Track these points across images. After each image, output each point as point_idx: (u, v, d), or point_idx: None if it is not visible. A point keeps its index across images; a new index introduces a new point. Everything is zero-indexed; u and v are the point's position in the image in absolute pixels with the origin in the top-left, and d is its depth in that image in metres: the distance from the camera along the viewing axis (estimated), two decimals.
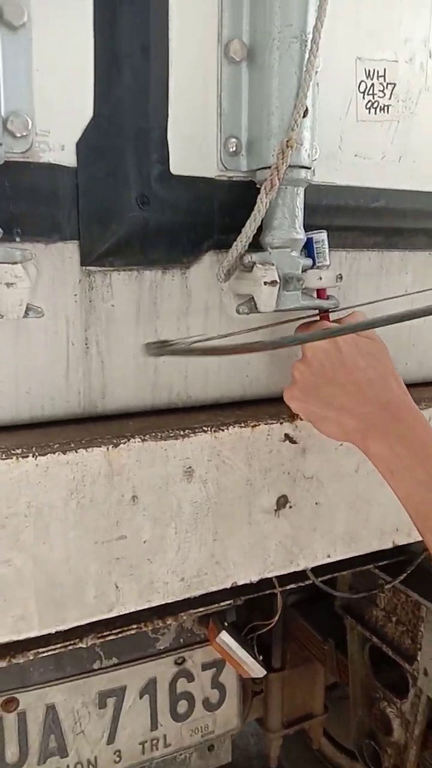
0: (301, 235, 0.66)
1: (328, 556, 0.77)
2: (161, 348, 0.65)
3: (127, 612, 0.67)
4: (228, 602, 0.98)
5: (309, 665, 1.62)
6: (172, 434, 0.64)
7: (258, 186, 0.64)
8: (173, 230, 0.65)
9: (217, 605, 0.96)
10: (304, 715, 1.67)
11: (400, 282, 0.81)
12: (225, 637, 1.00)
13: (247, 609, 1.31)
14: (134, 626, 0.93)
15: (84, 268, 0.63)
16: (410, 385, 0.86)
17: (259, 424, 0.69)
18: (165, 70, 0.62)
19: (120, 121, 0.61)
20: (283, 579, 1.01)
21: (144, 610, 0.68)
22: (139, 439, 0.62)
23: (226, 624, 1.03)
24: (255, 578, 0.73)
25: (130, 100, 0.61)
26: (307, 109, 0.62)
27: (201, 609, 0.98)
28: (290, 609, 1.56)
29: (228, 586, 0.72)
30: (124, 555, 0.64)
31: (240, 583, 0.72)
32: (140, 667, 1.03)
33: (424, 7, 0.73)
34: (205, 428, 0.66)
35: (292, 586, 1.02)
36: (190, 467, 0.65)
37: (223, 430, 0.66)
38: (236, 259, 0.64)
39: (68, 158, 0.60)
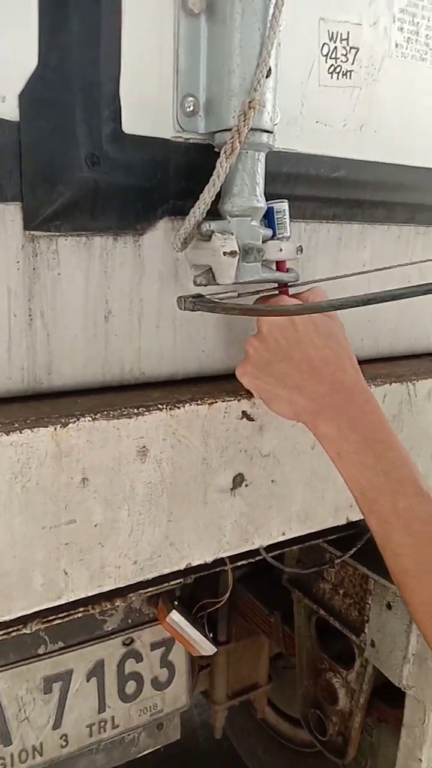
0: (262, 204, 0.63)
1: (284, 534, 0.76)
2: (195, 302, 0.60)
3: (77, 598, 0.63)
4: (178, 581, 0.96)
5: (254, 638, 1.64)
6: (125, 412, 0.60)
7: (217, 149, 0.60)
8: (125, 194, 0.61)
9: (167, 584, 0.94)
10: (249, 686, 1.70)
11: (358, 256, 0.79)
12: (175, 616, 0.98)
13: (194, 585, 1.30)
14: (81, 609, 0.90)
15: (27, 232, 0.58)
16: (365, 361, 0.86)
17: (216, 401, 0.66)
18: (117, 19, 0.57)
19: (68, 73, 0.56)
20: (234, 555, 1.00)
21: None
22: (90, 418, 0.59)
23: (175, 603, 1.01)
24: (210, 558, 0.71)
25: (78, 50, 0.55)
26: (270, 69, 0.58)
27: (151, 589, 0.95)
28: (237, 583, 1.56)
29: (182, 567, 0.70)
30: (73, 540, 0.61)
31: (195, 563, 0.70)
32: (87, 649, 1.00)
33: None
34: (161, 406, 0.63)
35: (243, 562, 1.01)
36: (144, 447, 0.62)
37: (178, 408, 0.63)
38: (193, 226, 0.61)
39: (10, 111, 0.54)
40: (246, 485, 0.70)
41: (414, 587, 0.52)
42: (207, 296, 0.59)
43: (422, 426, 0.81)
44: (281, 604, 1.51)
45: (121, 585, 0.66)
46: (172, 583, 0.97)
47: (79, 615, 0.90)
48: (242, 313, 0.53)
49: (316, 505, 0.77)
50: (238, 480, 0.70)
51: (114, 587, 0.66)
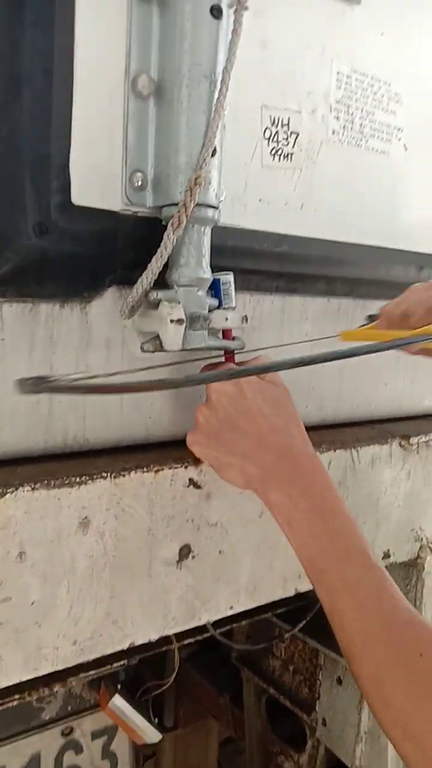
0: (207, 275, 0.64)
1: (231, 608, 0.74)
2: (37, 384, 0.59)
3: (11, 684, 0.59)
4: (122, 663, 0.91)
5: (203, 722, 1.56)
6: (66, 481, 0.59)
7: (164, 223, 0.62)
8: (73, 262, 0.61)
9: (109, 666, 0.89)
10: None
11: (300, 328, 0.81)
12: (118, 701, 0.92)
13: (139, 667, 1.24)
14: (17, 697, 0.84)
15: None
16: (310, 428, 0.87)
17: (162, 469, 0.65)
18: (68, 97, 0.59)
19: (18, 145, 0.57)
20: (181, 633, 0.96)
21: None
22: (29, 488, 0.56)
23: (119, 687, 0.95)
24: (155, 636, 0.68)
25: (29, 124, 0.57)
26: (215, 149, 0.61)
27: (92, 672, 0.90)
28: (184, 662, 1.49)
29: (125, 647, 0.66)
30: (8, 619, 0.57)
31: (138, 642, 0.67)
32: (22, 742, 0.92)
33: (324, 64, 0.75)
34: (104, 474, 0.61)
35: (190, 640, 0.97)
36: (86, 518, 0.60)
37: (123, 476, 0.62)
38: (141, 295, 0.61)
39: None
40: (193, 557, 0.69)
41: (361, 660, 0.50)
42: (51, 377, 0.58)
43: (366, 492, 0.82)
44: (231, 684, 1.45)
45: (59, 668, 0.62)
46: (115, 665, 0.92)
47: (15, 703, 0.84)
48: (90, 392, 0.53)
49: (265, 576, 0.75)
50: (185, 551, 0.68)
51: (51, 670, 0.61)
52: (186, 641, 0.95)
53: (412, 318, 0.66)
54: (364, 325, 0.76)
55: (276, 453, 0.60)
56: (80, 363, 0.64)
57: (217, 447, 0.62)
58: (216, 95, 0.60)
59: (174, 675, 0.96)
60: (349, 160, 0.81)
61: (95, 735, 0.99)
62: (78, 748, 0.97)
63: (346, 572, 0.53)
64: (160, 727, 1.46)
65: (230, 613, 0.74)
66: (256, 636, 1.31)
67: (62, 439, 0.64)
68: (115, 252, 0.63)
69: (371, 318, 0.79)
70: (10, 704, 0.83)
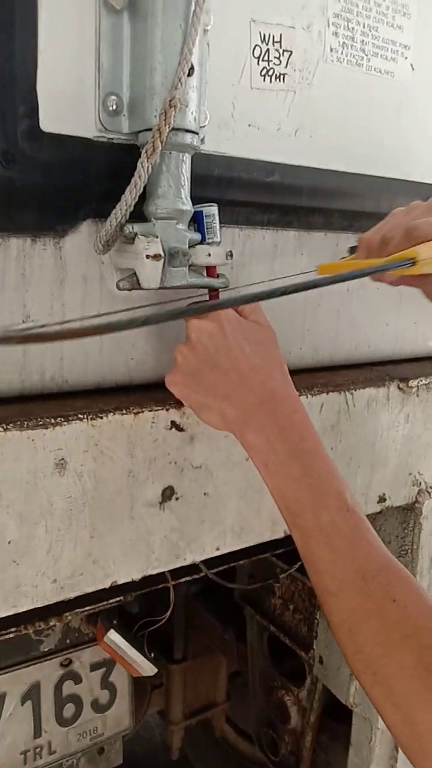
0: (187, 206, 0.61)
1: (217, 549, 0.73)
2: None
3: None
4: (117, 599, 0.93)
5: (211, 655, 1.61)
6: (41, 423, 0.57)
7: (141, 150, 0.58)
8: (44, 194, 0.58)
9: (105, 603, 0.90)
10: (207, 705, 1.66)
11: (295, 263, 0.77)
12: (113, 636, 0.94)
13: (145, 602, 1.26)
14: (13, 629, 0.86)
15: None
16: (305, 371, 0.84)
17: (142, 411, 0.63)
18: (33, 12, 0.54)
19: None
20: (178, 571, 0.97)
21: (25, 612, 0.62)
22: (1, 429, 0.55)
23: (114, 623, 0.97)
24: (137, 576, 0.68)
25: None
26: (192, 67, 0.56)
27: (88, 608, 0.91)
28: (191, 599, 1.53)
29: (107, 586, 0.66)
30: None
31: (121, 581, 0.67)
32: (22, 671, 0.95)
33: None
34: (81, 416, 0.60)
35: (186, 579, 0.98)
36: (62, 459, 0.59)
37: (101, 418, 0.61)
38: (115, 228, 0.58)
39: None
40: (176, 498, 0.68)
41: (332, 605, 0.50)
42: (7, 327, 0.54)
43: (361, 436, 0.80)
44: (237, 621, 1.48)
45: (39, 605, 0.62)
46: (111, 601, 0.93)
47: (11, 635, 0.86)
48: (48, 340, 0.49)
49: (252, 519, 0.75)
50: (168, 493, 0.67)
51: (31, 607, 0.62)
52: (182, 579, 0.96)
53: (390, 244, 0.62)
54: (344, 258, 0.72)
55: (255, 394, 0.58)
56: (55, 302, 0.61)
57: (196, 387, 0.60)
58: (192, 6, 0.54)
59: (169, 612, 0.97)
60: (349, 81, 0.75)
61: (94, 667, 1.02)
62: (77, 678, 1.00)
63: (321, 517, 0.52)
64: (170, 658, 1.52)
65: (217, 553, 0.74)
66: (257, 575, 1.32)
67: (39, 379, 0.63)
68: (90, 182, 0.60)
69: (352, 249, 0.75)
70: (8, 636, 0.85)
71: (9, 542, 0.58)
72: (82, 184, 0.59)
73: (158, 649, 1.28)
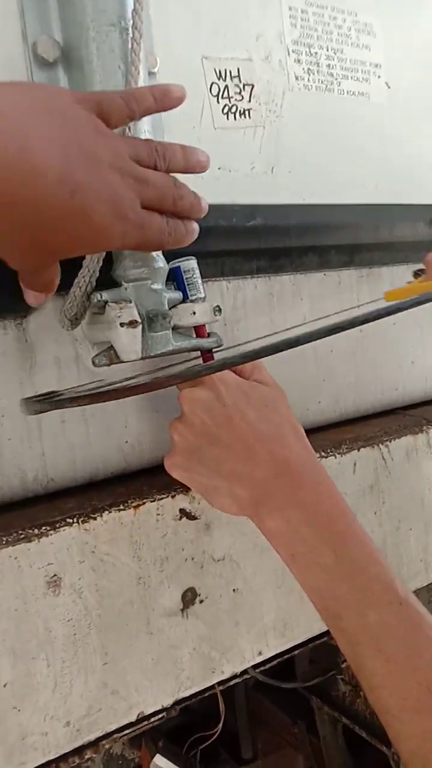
0: (161, 263, 0.54)
1: (260, 654, 0.62)
2: (45, 401, 0.48)
3: None
4: (159, 716, 0.80)
5: (283, 752, 1.44)
6: (22, 535, 0.48)
7: None
8: None
9: (146, 723, 0.78)
10: None
11: (295, 310, 0.69)
12: (160, 761, 0.81)
13: (196, 709, 1.12)
14: None
15: None
16: (328, 427, 0.74)
17: (143, 502, 0.54)
18: None
19: None
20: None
21: None
22: None
23: (160, 744, 0.84)
24: (167, 702, 0.57)
25: None
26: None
27: (127, 731, 0.79)
28: (251, 691, 1.38)
29: (133, 719, 0.55)
30: None
31: (149, 711, 0.56)
32: None
33: (270, 0, 0.64)
34: (70, 519, 0.50)
35: (234, 681, 0.85)
36: (55, 575, 0.50)
37: (94, 519, 0.51)
38: (81, 299, 0.51)
39: None
40: (201, 601, 0.57)
41: (397, 730, 0.38)
42: (58, 392, 0.47)
43: (406, 492, 0.69)
44: (305, 712, 1.32)
45: (54, 756, 0.51)
46: (152, 720, 0.81)
47: None
48: (110, 399, 0.41)
49: (296, 611, 0.63)
50: (189, 596, 0.56)
51: (44, 760, 0.51)
52: (231, 682, 0.83)
53: None
54: (411, 282, 0.65)
55: (266, 467, 0.48)
56: (25, 390, 0.53)
57: (199, 468, 0.51)
58: (130, 44, 0.49)
59: (220, 725, 0.84)
60: (322, 108, 0.69)
61: None
62: None
63: (367, 617, 0.41)
64: (238, 758, 1.36)
65: (260, 659, 0.62)
66: (318, 661, 1.17)
67: (20, 483, 0.54)
68: None
69: (418, 273, 0.67)
70: None
71: (5, 685, 0.48)
72: None
73: (224, 749, 1.13)
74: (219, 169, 0.62)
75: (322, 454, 0.64)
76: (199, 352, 0.58)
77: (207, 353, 0.58)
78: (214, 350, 0.58)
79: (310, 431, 0.54)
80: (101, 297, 0.51)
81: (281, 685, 0.97)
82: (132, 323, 0.50)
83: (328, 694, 1.20)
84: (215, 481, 0.50)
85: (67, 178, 0.34)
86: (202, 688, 0.58)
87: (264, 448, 0.48)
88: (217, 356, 0.58)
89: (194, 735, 0.88)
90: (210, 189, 0.58)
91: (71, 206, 0.35)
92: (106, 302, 0.51)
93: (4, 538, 0.48)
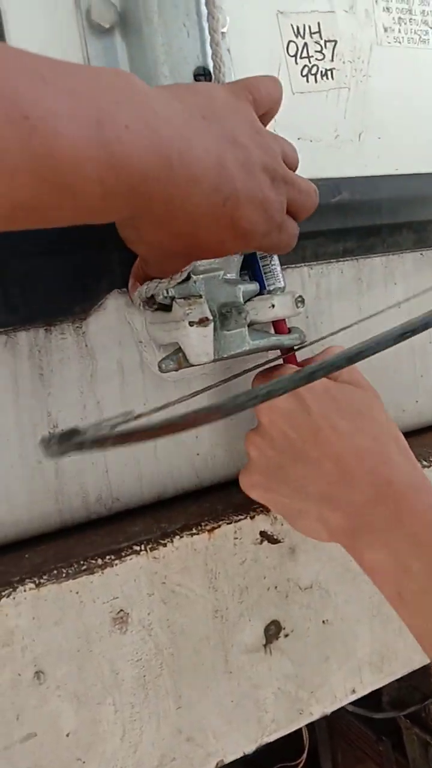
0: None
1: (353, 692, 0.54)
2: (67, 442, 0.42)
3: None
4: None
5: (367, 765, 1.37)
6: (84, 567, 0.43)
7: None
8: (50, 273, 0.45)
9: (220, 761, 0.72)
10: None
11: (388, 296, 0.60)
12: None
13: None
14: None
15: None
16: (428, 428, 0.65)
17: (219, 525, 0.47)
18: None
19: None
20: None
21: None
22: (32, 585, 0.41)
23: None
24: (249, 748, 0.50)
25: None
26: (207, 72, 0.43)
27: None
28: None
29: (212, 767, 0.49)
30: (37, 762, 0.42)
31: (229, 759, 0.50)
32: None
33: None
34: (137, 547, 0.44)
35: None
36: (121, 611, 0.44)
37: (164, 545, 0.45)
38: (152, 292, 0.44)
39: None
40: (286, 635, 0.50)
41: None
42: (81, 429, 0.39)
43: None
44: (391, 729, 1.23)
45: None
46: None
47: None
48: (135, 440, 0.33)
49: (394, 642, 0.55)
50: (273, 630, 0.50)
51: None
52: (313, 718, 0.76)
53: None
54: None
55: (365, 489, 0.40)
56: (87, 401, 0.48)
57: (282, 489, 0.44)
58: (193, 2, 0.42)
59: (305, 755, 0.77)
60: (416, 64, 0.60)
61: None
62: None
63: None
64: None
65: (354, 697, 0.55)
66: (409, 678, 1.08)
67: (82, 503, 0.49)
68: (107, 246, 0.47)
69: None
70: None
71: (67, 735, 0.43)
72: (99, 247, 0.46)
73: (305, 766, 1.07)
74: (299, 139, 0.54)
75: (424, 463, 0.56)
76: (278, 352, 0.51)
77: (289, 352, 0.50)
78: (296, 348, 0.50)
79: (407, 435, 0.45)
80: (167, 293, 0.45)
81: (373, 716, 0.88)
82: (203, 321, 0.43)
83: (416, 714, 1.11)
84: (301, 504, 0.43)
85: (222, 187, 0.34)
86: (289, 731, 0.52)
87: (361, 466, 0.41)
88: (300, 356, 0.50)
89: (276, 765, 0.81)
90: None
91: (222, 213, 0.35)
92: (173, 298, 0.45)
93: (64, 570, 0.42)
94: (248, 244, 0.39)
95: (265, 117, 0.42)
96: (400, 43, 0.58)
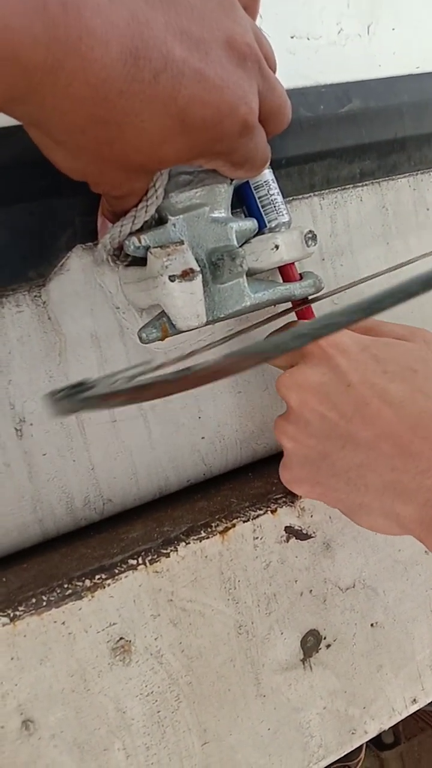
0: (221, 179, 0.37)
1: (414, 701, 0.46)
2: (74, 396, 0.32)
3: None
4: None
5: (428, 734, 1.32)
6: (68, 591, 0.34)
7: None
8: None
9: None
10: None
11: (420, 224, 0.50)
12: None
13: None
14: None
15: None
16: None
17: (233, 524, 0.39)
18: None
19: None
20: None
21: None
22: (6, 620, 0.33)
23: None
24: None
25: None
26: None
27: None
28: None
29: None
30: None
31: None
32: None
33: None
34: (132, 560, 0.36)
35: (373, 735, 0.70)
36: (121, 639, 0.36)
37: (166, 556, 0.37)
38: (117, 240, 0.35)
39: None
40: (328, 646, 0.42)
41: None
42: (89, 381, 0.30)
43: None
44: None
45: None
46: None
47: None
48: (173, 391, 0.25)
49: None
50: (311, 642, 0.41)
51: None
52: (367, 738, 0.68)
53: None
54: None
55: None
56: (59, 385, 0.39)
57: (334, 482, 0.35)
58: None
59: (360, 759, 0.70)
60: None
61: None
62: None
63: None
64: (379, 744, 1.26)
65: (415, 708, 0.46)
66: None
67: (67, 510, 0.40)
68: (60, 189, 0.37)
69: None
70: None
71: None
72: (50, 189, 0.37)
73: None
74: (292, 38, 0.43)
75: None
76: (290, 304, 0.41)
77: (303, 304, 0.40)
78: (311, 298, 0.40)
79: None
80: (139, 242, 0.35)
81: None
82: (187, 274, 0.34)
83: None
84: (361, 498, 0.34)
85: (146, 53, 0.25)
86: (341, 755, 0.43)
87: (429, 439, 0.31)
88: (317, 309, 0.41)
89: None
90: (282, 68, 0.40)
91: (155, 92, 0.25)
92: (146, 248, 0.35)
93: (44, 598, 0.34)
94: (208, 147, 0.29)
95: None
96: None
